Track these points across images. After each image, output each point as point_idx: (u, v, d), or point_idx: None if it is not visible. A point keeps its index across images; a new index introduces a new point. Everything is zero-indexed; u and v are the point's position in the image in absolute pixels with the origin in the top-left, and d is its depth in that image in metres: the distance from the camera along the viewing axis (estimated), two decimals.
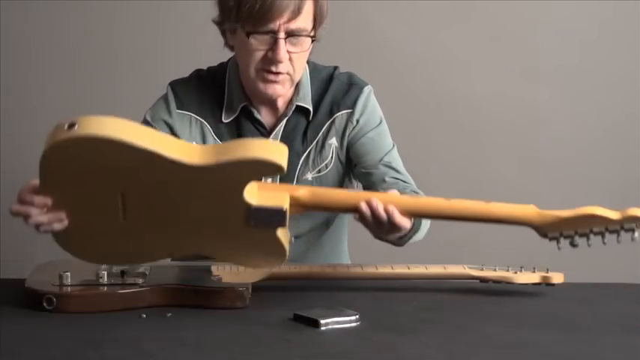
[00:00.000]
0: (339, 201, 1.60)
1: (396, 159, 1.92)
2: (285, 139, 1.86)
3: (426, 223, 1.82)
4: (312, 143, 1.89)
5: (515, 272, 1.75)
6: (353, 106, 1.89)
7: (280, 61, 1.75)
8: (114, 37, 2.99)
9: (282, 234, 1.54)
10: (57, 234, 1.57)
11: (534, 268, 1.75)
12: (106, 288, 1.61)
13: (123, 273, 1.65)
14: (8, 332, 1.45)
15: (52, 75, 3.03)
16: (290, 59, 1.77)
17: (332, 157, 1.90)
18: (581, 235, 1.57)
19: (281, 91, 1.81)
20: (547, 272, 1.74)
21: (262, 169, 1.48)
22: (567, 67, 2.95)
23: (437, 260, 1.79)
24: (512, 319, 1.58)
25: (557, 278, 1.73)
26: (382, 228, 1.60)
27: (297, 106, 1.88)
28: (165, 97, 1.91)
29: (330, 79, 1.92)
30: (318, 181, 1.90)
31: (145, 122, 1.88)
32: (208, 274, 1.68)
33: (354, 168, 1.93)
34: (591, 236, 1.56)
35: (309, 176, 1.89)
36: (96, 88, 3.01)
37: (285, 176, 1.83)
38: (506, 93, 2.96)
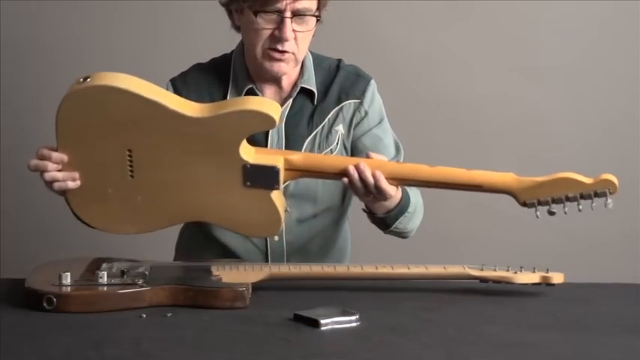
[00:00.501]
0: (329, 165, 1.71)
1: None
2: (290, 120, 1.90)
3: (415, 206, 1.87)
4: (318, 127, 1.91)
5: (515, 272, 1.74)
6: (361, 96, 1.94)
7: (287, 40, 1.80)
8: (113, 36, 2.99)
9: (277, 198, 1.65)
10: (70, 196, 1.68)
11: (534, 268, 1.75)
12: (106, 288, 1.61)
13: (123, 273, 1.65)
14: (8, 332, 1.45)
15: (53, 75, 3.03)
16: (295, 38, 1.81)
17: (337, 143, 1.92)
18: (556, 202, 1.64)
19: (286, 69, 1.86)
20: (547, 272, 1.74)
21: (257, 121, 1.60)
22: (567, 67, 2.95)
23: (437, 260, 1.79)
24: (512, 319, 1.58)
25: (557, 278, 1.73)
26: (369, 193, 1.69)
27: (302, 89, 1.92)
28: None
29: (338, 68, 1.97)
30: None
31: None
32: (208, 274, 1.69)
33: None
34: (567, 203, 1.64)
35: None
36: None
37: None
38: (506, 93, 2.96)
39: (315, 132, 1.91)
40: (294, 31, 1.80)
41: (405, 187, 1.82)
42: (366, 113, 1.94)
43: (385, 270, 1.74)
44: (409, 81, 2.96)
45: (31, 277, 1.68)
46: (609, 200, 1.62)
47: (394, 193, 1.73)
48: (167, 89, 1.91)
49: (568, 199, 1.64)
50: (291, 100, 1.91)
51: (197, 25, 2.87)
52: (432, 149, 2.96)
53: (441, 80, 2.96)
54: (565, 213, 1.63)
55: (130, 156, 1.63)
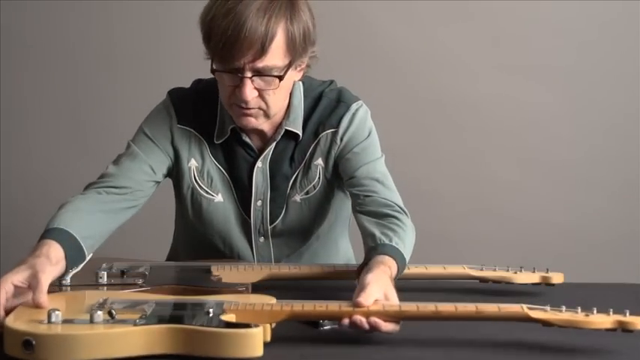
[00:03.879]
0: (320, 316, 1.48)
1: (377, 170, 1.83)
2: (274, 162, 1.84)
3: (409, 251, 1.72)
4: (300, 165, 1.85)
5: (515, 272, 1.74)
6: (337, 125, 1.83)
7: (246, 100, 1.69)
8: (114, 37, 2.99)
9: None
10: None
11: (534, 268, 1.74)
12: (105, 288, 1.61)
13: (122, 273, 1.65)
14: None
15: (53, 75, 3.03)
16: (261, 96, 1.70)
17: (319, 178, 1.86)
18: None
19: (255, 124, 1.76)
20: (547, 272, 1.74)
21: None
22: (567, 67, 2.95)
23: (437, 260, 1.79)
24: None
25: (556, 278, 1.73)
26: None
27: (287, 130, 1.83)
28: (166, 110, 1.86)
29: (320, 97, 1.85)
30: (307, 203, 1.86)
31: (143, 134, 1.83)
32: (208, 274, 1.68)
33: (345, 182, 1.87)
34: None
35: (298, 198, 1.86)
36: (96, 88, 3.01)
37: (276, 198, 1.84)
38: (506, 93, 2.97)
39: (297, 171, 1.85)
40: (257, 89, 1.69)
41: (394, 245, 1.66)
42: (342, 140, 1.83)
43: None
44: (409, 81, 2.96)
45: None
46: None
47: (397, 328, 1.46)
48: (167, 105, 1.85)
49: None
50: (274, 143, 1.83)
51: (197, 27, 2.87)
52: (432, 149, 2.97)
53: (441, 80, 2.97)
54: None
55: None
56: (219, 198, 1.85)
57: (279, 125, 1.82)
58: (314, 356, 1.38)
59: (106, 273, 1.64)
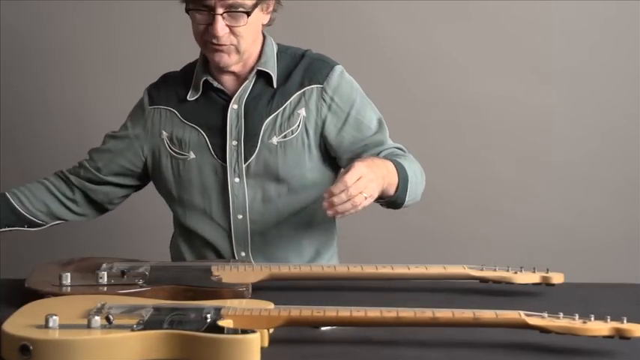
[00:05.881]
0: (320, 322, 1.46)
1: (380, 135, 1.96)
2: (249, 102, 1.94)
3: (415, 171, 1.88)
4: (279, 109, 1.94)
5: (515, 272, 1.74)
6: (324, 81, 1.95)
7: (217, 36, 1.84)
8: (114, 36, 2.99)
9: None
10: None
11: (534, 268, 1.74)
12: (106, 288, 1.61)
13: (123, 273, 1.65)
14: None
15: (53, 76, 3.03)
16: (232, 32, 1.86)
17: (299, 126, 1.93)
18: None
19: (228, 60, 1.90)
20: (547, 272, 1.73)
21: None
22: (568, 68, 2.95)
23: (437, 260, 1.79)
24: None
25: (557, 278, 1.73)
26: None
27: (261, 72, 1.95)
28: (140, 100, 2.06)
29: (302, 56, 1.99)
30: (283, 146, 1.93)
31: (124, 126, 2.06)
32: (208, 274, 1.68)
33: (341, 157, 1.96)
34: None
35: (275, 140, 1.93)
36: (97, 89, 3.01)
37: (251, 137, 1.92)
38: (506, 93, 2.96)
39: (275, 113, 1.94)
40: (228, 25, 1.84)
41: (395, 160, 1.84)
42: (332, 99, 1.95)
43: (385, 270, 1.73)
44: (408, 81, 2.96)
45: (30, 278, 1.68)
46: None
47: (384, 178, 1.75)
48: (142, 96, 2.04)
49: None
50: (250, 84, 1.95)
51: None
52: (432, 149, 2.97)
53: (441, 80, 2.96)
54: None
55: None
56: (191, 156, 1.96)
57: (252, 68, 1.95)
58: (315, 356, 1.38)
59: (106, 273, 1.64)
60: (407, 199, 1.85)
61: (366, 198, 1.66)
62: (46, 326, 1.35)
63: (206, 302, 1.49)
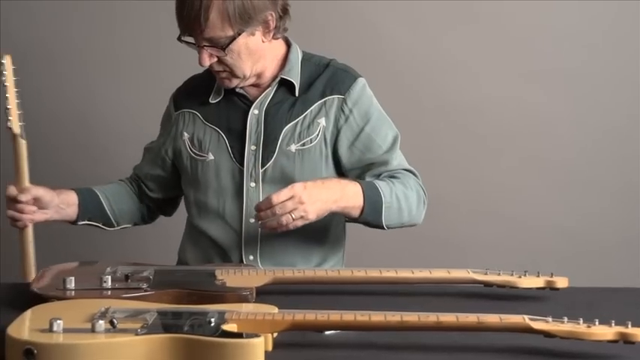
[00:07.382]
0: (324, 326, 1.46)
1: (387, 155, 1.98)
2: (270, 109, 1.96)
3: (394, 196, 1.89)
4: (299, 117, 1.95)
5: (520, 276, 1.74)
6: (346, 92, 1.96)
7: (203, 66, 1.89)
8: (117, 38, 2.99)
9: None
10: None
11: (538, 273, 1.74)
12: (110, 292, 1.61)
13: (127, 277, 1.65)
14: None
15: (53, 75, 3.03)
16: (220, 61, 1.89)
17: (318, 135, 1.95)
18: None
19: (230, 84, 1.95)
20: (551, 276, 1.73)
21: None
22: (570, 70, 2.95)
23: (441, 264, 1.79)
24: None
25: (561, 283, 1.72)
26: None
27: (284, 81, 1.97)
28: (167, 108, 2.12)
29: (327, 65, 2.01)
30: (301, 154, 1.94)
31: (158, 136, 2.14)
32: (212, 278, 1.68)
33: (348, 170, 1.98)
34: None
35: (293, 147, 1.94)
36: (99, 89, 3.01)
37: (269, 143, 1.94)
38: (510, 96, 2.96)
39: (296, 120, 1.95)
40: (215, 56, 1.88)
41: (374, 182, 1.89)
42: (351, 111, 1.96)
43: (389, 274, 1.73)
44: (413, 84, 2.96)
45: (35, 282, 1.68)
46: None
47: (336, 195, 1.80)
48: (169, 105, 2.10)
49: None
50: (272, 90, 1.97)
51: None
52: (435, 151, 2.97)
53: (445, 83, 2.96)
54: None
55: None
56: (210, 157, 1.98)
57: (276, 76, 1.98)
58: None
59: (110, 277, 1.64)
60: (385, 222, 1.88)
61: (294, 219, 1.74)
62: (50, 330, 1.35)
63: (210, 306, 1.48)
